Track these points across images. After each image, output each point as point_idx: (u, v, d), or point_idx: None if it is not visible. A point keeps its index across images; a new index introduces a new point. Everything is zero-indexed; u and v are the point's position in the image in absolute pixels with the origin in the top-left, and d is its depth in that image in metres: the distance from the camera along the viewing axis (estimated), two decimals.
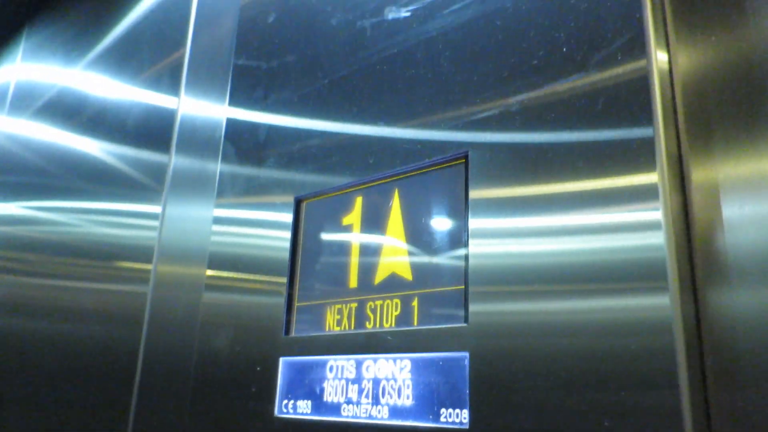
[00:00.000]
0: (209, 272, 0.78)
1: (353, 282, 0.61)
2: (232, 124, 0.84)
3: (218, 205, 0.81)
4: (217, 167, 0.84)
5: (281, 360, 0.64)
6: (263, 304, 0.69)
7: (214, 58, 0.97)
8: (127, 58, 1.20)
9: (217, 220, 0.80)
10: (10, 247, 1.36)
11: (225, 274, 0.76)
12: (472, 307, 0.50)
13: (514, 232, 0.49)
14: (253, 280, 0.72)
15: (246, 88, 0.84)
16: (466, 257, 0.52)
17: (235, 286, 0.74)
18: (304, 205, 0.69)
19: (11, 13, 1.71)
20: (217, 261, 0.78)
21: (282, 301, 0.66)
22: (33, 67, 1.59)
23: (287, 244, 0.68)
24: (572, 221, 0.47)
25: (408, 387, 0.53)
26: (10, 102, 1.63)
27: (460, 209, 0.54)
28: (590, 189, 0.46)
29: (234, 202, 0.79)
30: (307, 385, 0.60)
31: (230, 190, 0.80)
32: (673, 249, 0.42)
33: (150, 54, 1.14)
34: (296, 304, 0.65)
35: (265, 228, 0.73)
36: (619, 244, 0.44)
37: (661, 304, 0.40)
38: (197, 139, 0.94)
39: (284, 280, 0.67)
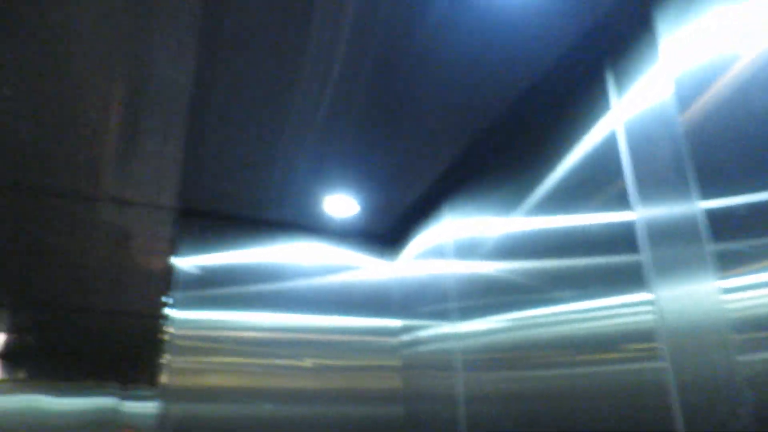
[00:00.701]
0: (737, 336, 0.95)
1: None
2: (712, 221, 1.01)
3: (724, 277, 0.99)
4: (707, 249, 1.01)
5: None
6: None
7: (662, 170, 1.17)
8: (570, 196, 1.50)
9: (727, 290, 0.98)
10: (511, 349, 1.72)
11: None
12: None
13: None
14: None
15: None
16: None
17: None
18: None
19: (428, 197, 2.28)
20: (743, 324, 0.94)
21: None
22: (464, 223, 2.07)
23: None
24: None
25: None
26: (454, 252, 2.13)
27: None
28: None
29: (741, 272, 0.94)
30: None
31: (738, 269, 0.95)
32: None
33: (593, 185, 1.41)
34: None
35: None
36: None
37: None
38: (668, 235, 1.12)
39: None
